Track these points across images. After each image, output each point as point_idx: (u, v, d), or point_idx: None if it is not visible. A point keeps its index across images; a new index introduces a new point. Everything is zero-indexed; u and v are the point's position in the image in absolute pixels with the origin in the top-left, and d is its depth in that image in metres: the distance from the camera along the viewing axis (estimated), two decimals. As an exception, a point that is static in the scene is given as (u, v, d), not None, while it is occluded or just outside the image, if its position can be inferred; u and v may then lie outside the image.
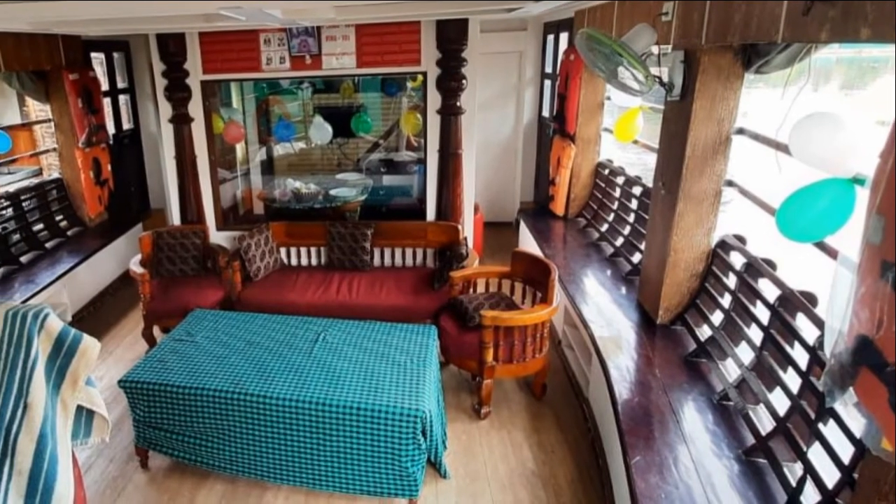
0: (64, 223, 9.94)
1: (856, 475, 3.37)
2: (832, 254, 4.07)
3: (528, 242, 9.64)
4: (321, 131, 9.82)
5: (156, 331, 8.24)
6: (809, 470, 3.79)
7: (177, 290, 8.11)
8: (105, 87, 10.56)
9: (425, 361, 5.95)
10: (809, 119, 3.51)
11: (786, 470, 4.02)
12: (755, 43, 4.55)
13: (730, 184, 5.51)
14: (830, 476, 3.64)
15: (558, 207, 9.66)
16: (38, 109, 14.35)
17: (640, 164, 9.89)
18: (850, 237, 3.01)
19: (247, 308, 7.84)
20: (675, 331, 5.95)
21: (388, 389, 5.46)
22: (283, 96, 11.81)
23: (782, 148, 4.43)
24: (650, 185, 6.71)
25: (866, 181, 3.18)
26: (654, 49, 5.41)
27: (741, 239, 5.58)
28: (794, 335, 4.43)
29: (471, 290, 7.68)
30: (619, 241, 8.01)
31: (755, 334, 4.93)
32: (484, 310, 6.52)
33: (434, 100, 8.53)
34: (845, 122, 3.37)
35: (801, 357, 4.29)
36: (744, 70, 5.05)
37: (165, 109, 8.92)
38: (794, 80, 4.33)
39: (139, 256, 8.45)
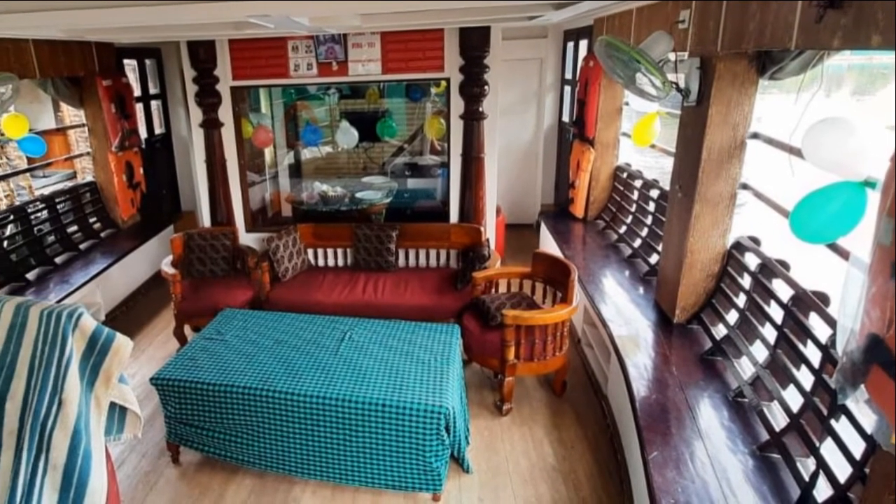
0: (97, 225, 10.02)
1: (867, 470, 3.38)
2: (844, 255, 4.08)
3: (548, 244, 9.65)
4: (347, 136, 9.86)
5: (186, 330, 8.29)
6: (822, 465, 3.80)
7: (207, 290, 8.17)
8: (137, 92, 10.65)
9: (449, 359, 5.98)
10: (822, 124, 3.52)
11: (799, 465, 4.03)
12: (769, 50, 4.56)
13: (744, 187, 5.52)
14: (842, 471, 3.64)
15: (578, 210, 9.68)
16: (72, 115, 14.51)
17: (658, 167, 9.87)
18: (862, 239, 3.02)
19: (275, 307, 7.90)
20: (691, 330, 5.97)
21: (413, 387, 5.49)
22: (311, 102, 11.86)
23: (795, 152, 4.44)
24: (667, 188, 6.71)
25: (877, 184, 3.19)
26: (671, 56, 5.43)
27: (756, 240, 5.59)
28: (807, 334, 4.45)
29: (493, 290, 7.71)
30: (637, 243, 8.02)
31: (769, 333, 4.94)
32: (506, 309, 6.55)
33: (457, 105, 8.58)
34: (857, 127, 3.38)
35: (813, 355, 4.30)
36: (758, 76, 5.06)
37: (196, 114, 9.00)
38: (807, 86, 4.34)
39: (170, 257, 8.52)
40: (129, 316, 9.48)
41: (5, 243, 8.36)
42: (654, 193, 7.96)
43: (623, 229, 8.63)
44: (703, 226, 5.64)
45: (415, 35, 8.29)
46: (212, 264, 8.67)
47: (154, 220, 10.82)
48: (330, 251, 9.12)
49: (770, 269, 5.14)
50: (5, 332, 3.75)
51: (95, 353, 3.78)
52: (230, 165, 9.23)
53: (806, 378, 4.32)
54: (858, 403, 3.02)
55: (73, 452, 3.56)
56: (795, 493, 3.91)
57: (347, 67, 8.58)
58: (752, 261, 5.48)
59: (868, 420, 3.35)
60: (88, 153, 10.15)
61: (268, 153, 10.97)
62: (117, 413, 4.08)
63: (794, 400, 4.33)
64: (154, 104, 11.46)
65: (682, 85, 5.47)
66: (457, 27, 8.10)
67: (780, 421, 4.43)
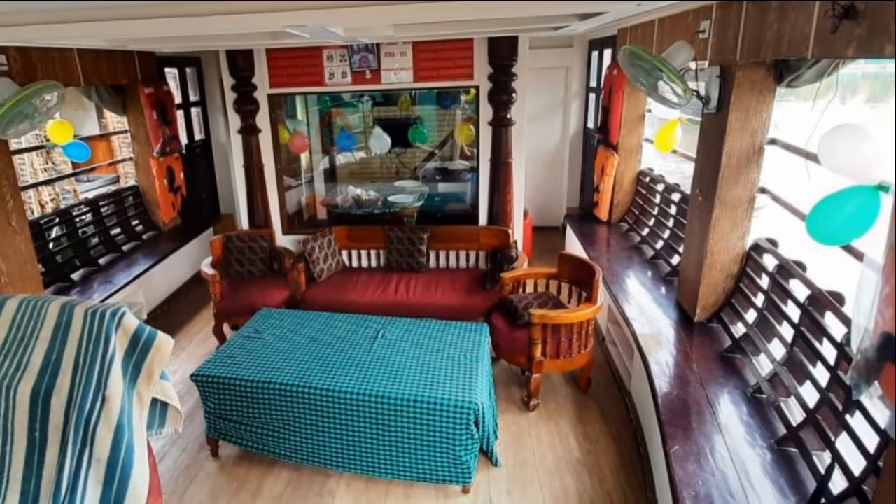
0: (140, 227, 10.13)
1: (881, 463, 3.40)
2: (859, 256, 4.09)
3: (574, 245, 9.67)
4: (380, 141, 9.92)
5: (225, 328, 8.43)
6: (837, 458, 3.82)
7: (245, 290, 8.25)
8: (178, 100, 10.78)
9: (478, 357, 6.04)
10: (837, 130, 3.54)
11: (815, 459, 4.05)
12: (786, 59, 4.58)
13: (763, 191, 5.54)
14: (857, 464, 3.67)
15: (602, 213, 9.70)
16: (115, 121, 14.61)
17: (679, 172, 9.83)
18: (876, 241, 3.05)
19: (311, 307, 8.00)
20: (711, 328, 6.00)
21: (443, 383, 5.55)
22: (345, 109, 11.89)
23: (812, 157, 4.47)
24: (688, 191, 6.74)
25: (890, 188, 3.22)
26: (692, 64, 5.45)
27: (773, 242, 5.60)
28: (822, 332, 4.48)
29: (520, 290, 7.72)
30: (659, 245, 8.03)
31: (786, 331, 4.97)
32: (533, 308, 6.59)
33: (486, 112, 8.62)
34: (871, 133, 3.40)
35: (829, 353, 4.33)
36: (776, 84, 5.08)
37: (235, 121, 9.07)
38: (823, 93, 4.36)
39: (210, 258, 8.63)
40: (170, 315, 9.60)
41: (51, 245, 8.47)
42: (676, 197, 7.96)
43: (646, 231, 8.64)
44: (722, 228, 5.67)
45: (445, 45, 8.35)
46: (250, 265, 8.77)
47: (194, 222, 10.95)
48: (363, 252, 9.19)
49: (787, 269, 5.15)
50: (51, 330, 3.82)
51: (138, 351, 3.83)
52: (267, 170, 9.30)
53: (822, 375, 4.34)
54: (872, 399, 3.06)
55: (116, 446, 3.61)
56: (812, 485, 3.94)
57: (380, 76, 8.64)
58: (769, 262, 5.49)
59: (882, 415, 3.39)
60: (131, 158, 10.25)
61: (304, 158, 11.02)
62: (159, 408, 4.13)
63: (811, 396, 4.36)
64: (194, 111, 11.58)
65: (702, 92, 5.49)
66: (485, 37, 8.15)
67: (796, 416, 4.45)
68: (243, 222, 9.56)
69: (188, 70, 11.23)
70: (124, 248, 9.54)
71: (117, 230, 9.74)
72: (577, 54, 11.78)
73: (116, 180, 15.36)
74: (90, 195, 10.97)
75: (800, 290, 4.94)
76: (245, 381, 5.78)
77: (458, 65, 8.48)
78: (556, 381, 7.30)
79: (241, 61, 8.61)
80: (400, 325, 6.76)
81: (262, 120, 9.06)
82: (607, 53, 10.04)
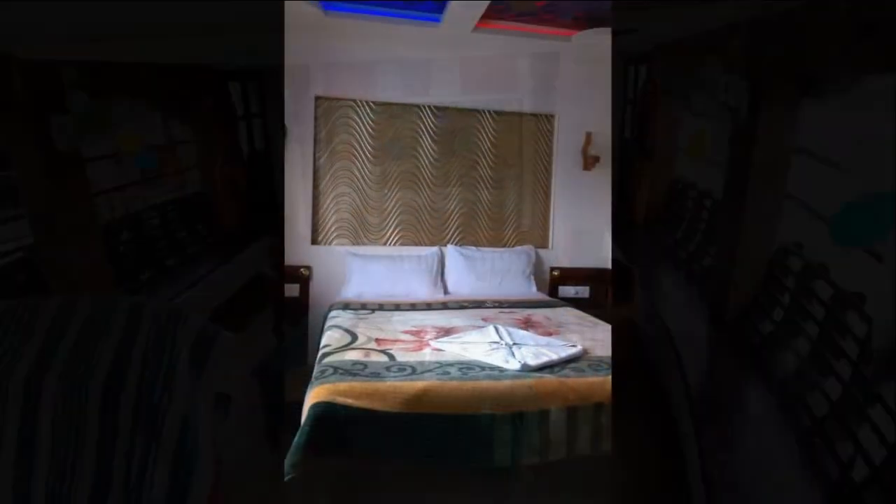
0: (204, 232, 10.28)
1: (900, 452, 3.46)
2: (880, 258, 4.13)
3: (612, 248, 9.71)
4: (428, 151, 9.99)
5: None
6: (859, 448, 3.86)
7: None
8: (240, 112, 10.90)
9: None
10: (861, 139, 3.57)
11: (838, 449, 4.10)
12: (813, 73, 4.62)
13: (790, 196, 5.57)
14: (878, 454, 3.71)
15: (638, 217, 9.73)
16: (181, 132, 14.82)
17: (711, 180, 9.86)
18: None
19: (366, 307, 8.06)
20: (740, 325, 6.00)
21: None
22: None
23: (836, 165, 4.51)
24: (719, 198, 6.77)
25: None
26: (723, 77, 5.50)
27: (799, 245, 5.63)
28: (845, 330, 4.51)
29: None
30: (692, 247, 8.02)
31: (811, 329, 4.99)
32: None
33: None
34: (891, 142, 3.44)
35: (851, 349, 4.36)
36: (803, 97, 5.11)
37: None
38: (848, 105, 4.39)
39: (271, 262, 8.72)
40: (232, 314, 9.69)
41: (121, 248, 8.60)
42: (707, 203, 7.99)
43: (679, 235, 8.66)
44: (752, 232, 5.71)
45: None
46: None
47: (256, 228, 11.01)
48: (412, 255, 9.23)
49: (812, 270, 5.19)
50: (121, 329, 3.96)
51: (202, 349, 3.96)
52: (324, 179, 9.39)
53: (844, 370, 4.38)
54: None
55: (182, 439, 3.75)
56: (835, 473, 3.98)
57: (428, 90, 8.73)
58: (795, 263, 5.53)
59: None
60: (196, 167, 10.43)
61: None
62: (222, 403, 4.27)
63: (834, 389, 4.40)
64: (256, 123, 11.73)
65: (733, 105, 5.54)
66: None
67: (821, 408, 4.49)
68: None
69: (250, 84, 11.37)
70: (189, 251, 9.67)
71: (183, 234, 9.87)
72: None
73: (182, 188, 15.62)
74: (157, 201, 11.14)
75: (824, 290, 4.97)
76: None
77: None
78: (594, 375, 7.30)
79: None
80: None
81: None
82: (643, 69, 10.05)
